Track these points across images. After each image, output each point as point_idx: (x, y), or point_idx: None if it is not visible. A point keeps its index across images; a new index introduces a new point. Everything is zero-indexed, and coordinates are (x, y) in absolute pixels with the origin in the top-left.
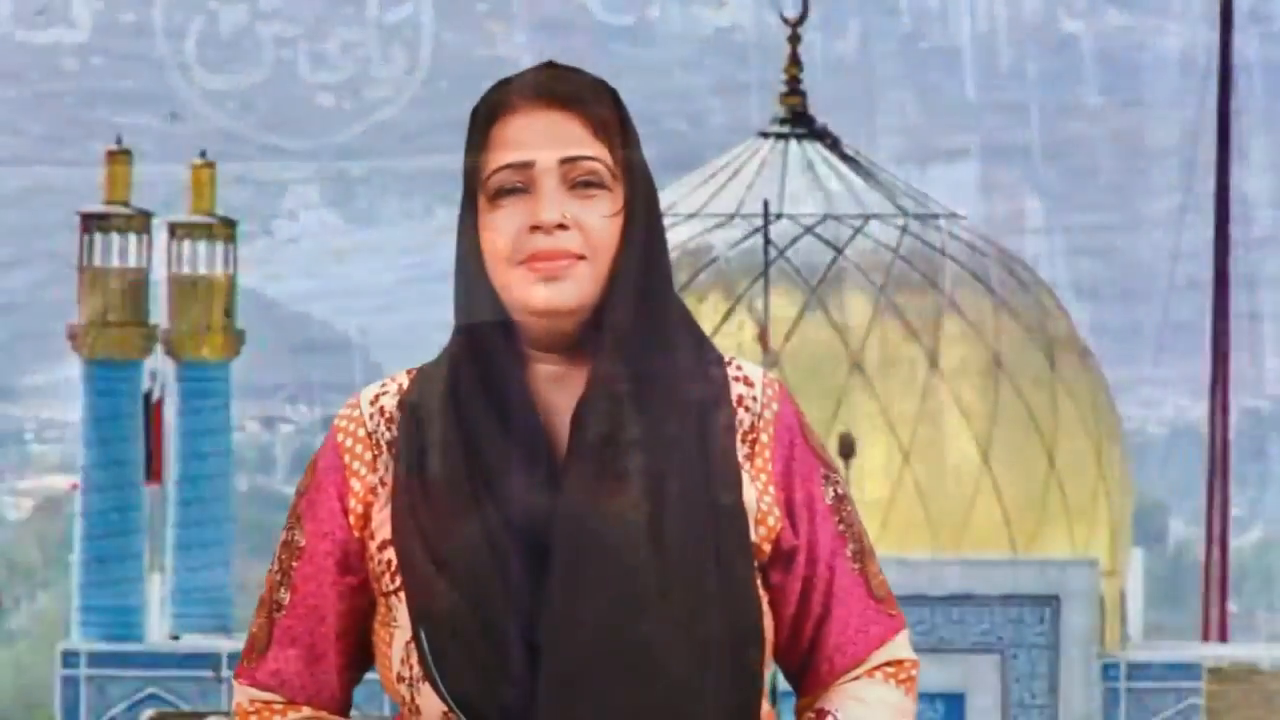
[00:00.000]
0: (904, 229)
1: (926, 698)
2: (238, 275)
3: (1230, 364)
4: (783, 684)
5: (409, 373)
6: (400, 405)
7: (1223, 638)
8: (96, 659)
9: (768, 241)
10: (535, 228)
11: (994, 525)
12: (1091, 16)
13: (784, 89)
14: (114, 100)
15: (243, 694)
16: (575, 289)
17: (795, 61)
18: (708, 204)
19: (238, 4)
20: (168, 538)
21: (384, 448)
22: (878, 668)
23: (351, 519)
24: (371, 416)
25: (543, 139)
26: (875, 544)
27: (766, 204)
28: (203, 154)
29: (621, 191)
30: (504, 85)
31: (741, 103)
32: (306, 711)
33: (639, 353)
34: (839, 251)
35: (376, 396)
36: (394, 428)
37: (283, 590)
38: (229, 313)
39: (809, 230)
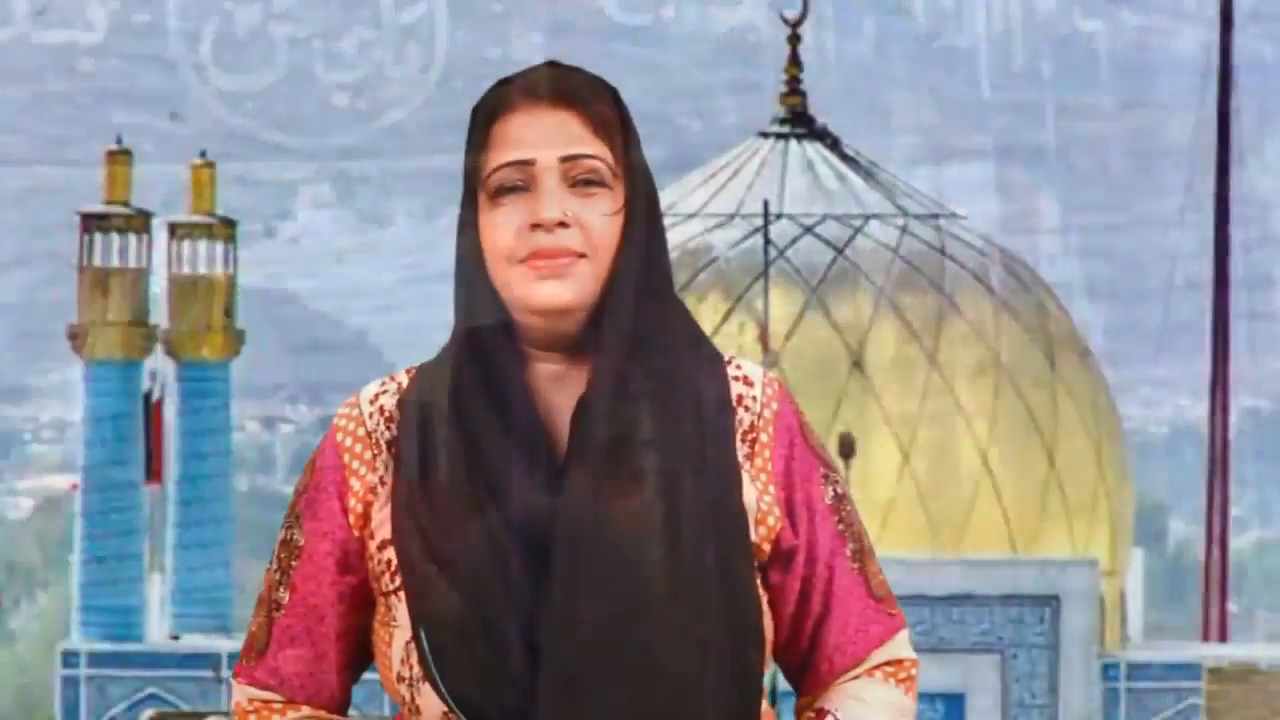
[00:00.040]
0: (904, 229)
1: (926, 698)
2: (238, 275)
3: (1230, 364)
4: (783, 684)
5: (408, 371)
6: (400, 404)
7: (1223, 638)
8: (96, 659)
9: (768, 241)
10: (536, 226)
11: (994, 525)
12: (1098, 17)
13: (784, 89)
14: (119, 100)
15: (241, 693)
16: (576, 287)
17: (795, 61)
18: (708, 204)
19: (252, 4)
20: (168, 538)
21: (384, 447)
22: (877, 667)
23: (351, 518)
24: (371, 416)
25: (544, 137)
26: (875, 544)
27: (766, 204)
28: (203, 154)
29: (622, 190)
30: (505, 84)
31: (756, 101)
32: (306, 711)
33: (639, 352)
34: (839, 251)
35: (376, 396)
36: (394, 427)
37: (282, 590)
38: (229, 313)
39: (809, 230)
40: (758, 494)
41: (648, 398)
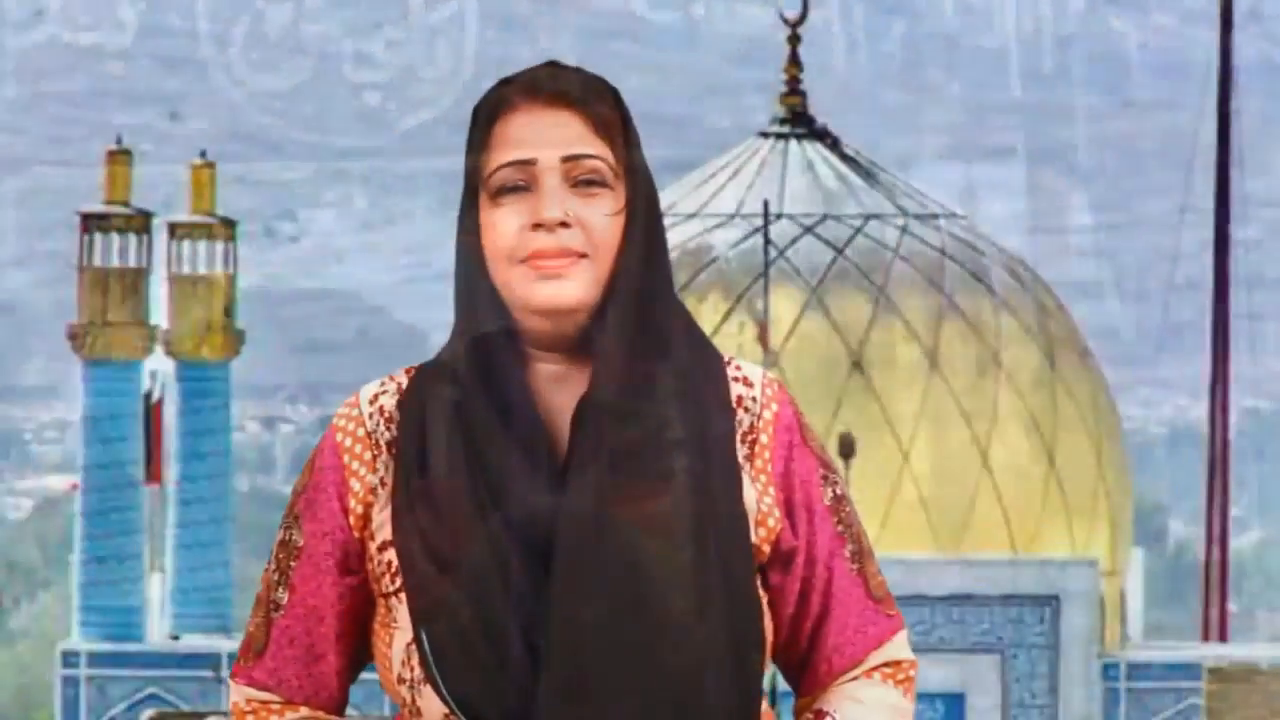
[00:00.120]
0: (904, 229)
1: (926, 698)
2: (238, 275)
3: (1230, 364)
4: (782, 684)
5: (408, 371)
6: (400, 405)
7: (1223, 638)
8: (96, 659)
9: (768, 241)
10: (537, 225)
11: (994, 525)
12: (1097, 19)
13: (784, 89)
14: (122, 101)
15: (239, 694)
16: (577, 287)
17: (795, 61)
18: (708, 204)
19: (283, 4)
20: (168, 538)
21: (384, 448)
22: (876, 668)
23: (351, 519)
24: (371, 416)
25: (545, 137)
26: (875, 544)
27: (766, 204)
28: (203, 154)
29: (623, 191)
30: (505, 84)
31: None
32: (304, 711)
33: (639, 353)
34: (839, 251)
35: (376, 396)
36: (393, 427)
37: (280, 590)
38: (229, 313)
39: (809, 230)
40: (758, 495)
41: (648, 398)
